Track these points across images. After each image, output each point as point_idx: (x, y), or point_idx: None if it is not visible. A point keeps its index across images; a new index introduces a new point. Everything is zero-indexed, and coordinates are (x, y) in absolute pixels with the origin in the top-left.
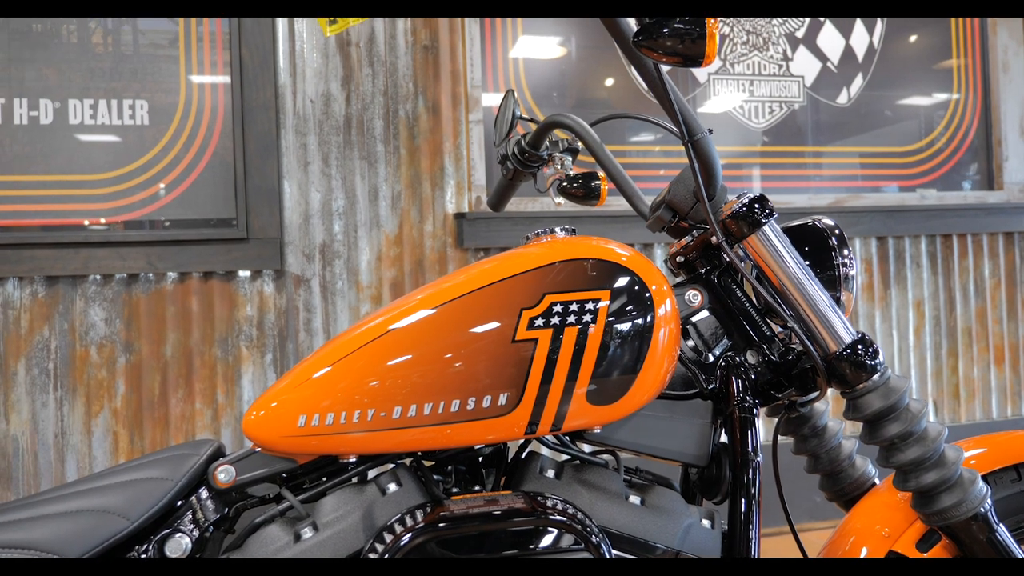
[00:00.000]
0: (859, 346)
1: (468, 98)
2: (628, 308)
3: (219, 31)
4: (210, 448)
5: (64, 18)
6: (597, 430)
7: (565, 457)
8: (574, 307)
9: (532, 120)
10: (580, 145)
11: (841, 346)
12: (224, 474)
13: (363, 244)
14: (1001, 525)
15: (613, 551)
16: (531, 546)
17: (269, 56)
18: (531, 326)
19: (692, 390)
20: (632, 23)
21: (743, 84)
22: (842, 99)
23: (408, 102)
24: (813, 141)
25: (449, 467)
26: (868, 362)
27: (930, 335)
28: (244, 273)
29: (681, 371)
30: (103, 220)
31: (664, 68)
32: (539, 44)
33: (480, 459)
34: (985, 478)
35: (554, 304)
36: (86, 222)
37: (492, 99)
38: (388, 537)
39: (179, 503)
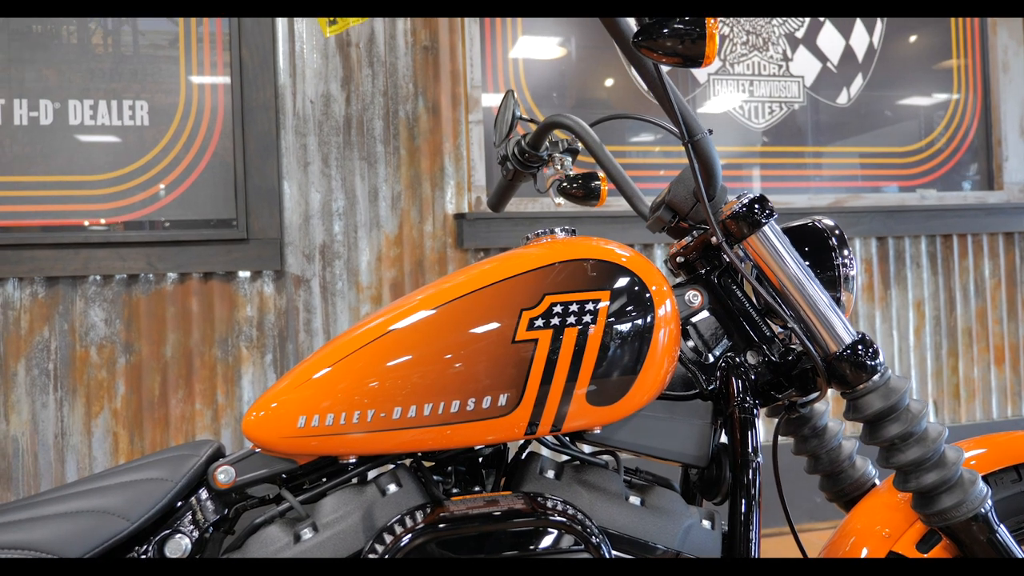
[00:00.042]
0: (859, 346)
1: (468, 98)
2: (628, 309)
3: (219, 32)
4: (210, 449)
5: (64, 19)
6: (597, 431)
7: (565, 458)
8: (574, 308)
9: (532, 120)
10: (580, 145)
11: (841, 346)
12: (224, 475)
13: (363, 245)
14: (1001, 526)
15: (613, 552)
16: (531, 547)
17: (269, 57)
18: (531, 327)
19: (692, 391)
20: (632, 23)
21: (743, 84)
22: (842, 99)
23: (408, 102)
24: (813, 141)
25: (449, 468)
26: (868, 362)
27: (930, 335)
28: (244, 274)
29: (681, 372)
30: (103, 221)
31: (664, 68)
32: (539, 44)
33: (480, 460)
34: (985, 479)
35: (554, 305)
36: (86, 223)
37: (492, 99)
38: (388, 538)
39: (179, 504)
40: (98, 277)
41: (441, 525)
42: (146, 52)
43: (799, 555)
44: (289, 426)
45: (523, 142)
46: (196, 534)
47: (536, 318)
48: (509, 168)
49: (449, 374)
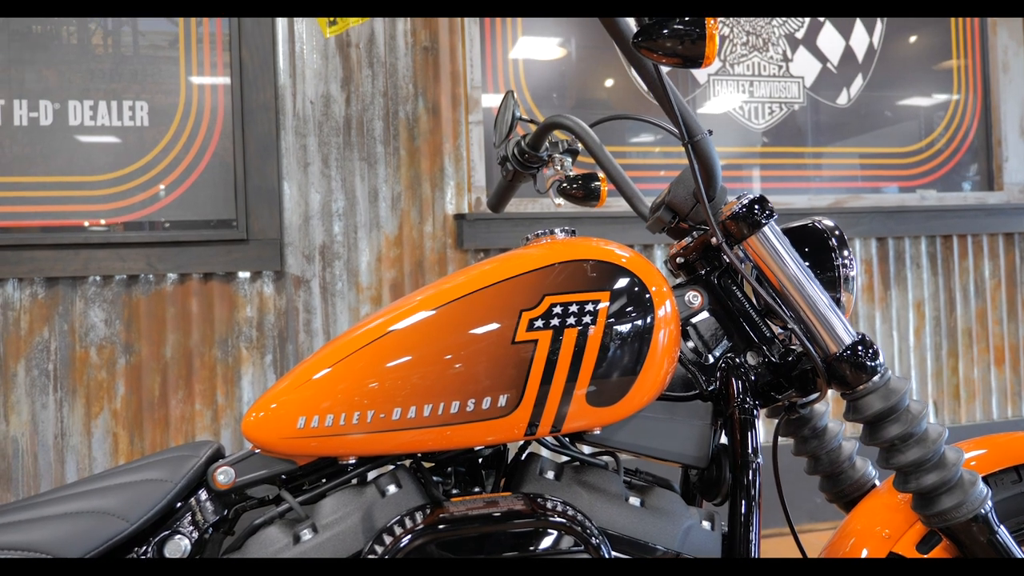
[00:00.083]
0: (859, 347)
1: (468, 99)
2: (628, 309)
3: (219, 32)
4: (209, 449)
5: (64, 20)
6: (597, 431)
7: (565, 458)
8: (574, 308)
9: (532, 121)
10: (580, 146)
11: (841, 347)
12: (223, 475)
13: (363, 245)
14: (1002, 527)
15: (613, 552)
16: (531, 548)
17: (269, 57)
18: (531, 327)
19: (692, 391)
20: (632, 24)
21: (743, 85)
22: (842, 100)
23: (408, 103)
24: (813, 142)
25: (449, 469)
26: (868, 363)
27: (930, 336)
28: (244, 274)
29: (681, 372)
30: (103, 221)
31: (664, 69)
32: (539, 45)
33: (480, 460)
34: (986, 479)
35: (554, 305)
36: (86, 223)
37: (492, 100)
38: (387, 539)
39: (178, 505)
40: (98, 278)
41: (441, 526)
42: (146, 53)
43: (799, 556)
44: (289, 427)
45: (523, 143)
46: (196, 535)
47: (536, 319)
48: (509, 169)
49: (449, 375)
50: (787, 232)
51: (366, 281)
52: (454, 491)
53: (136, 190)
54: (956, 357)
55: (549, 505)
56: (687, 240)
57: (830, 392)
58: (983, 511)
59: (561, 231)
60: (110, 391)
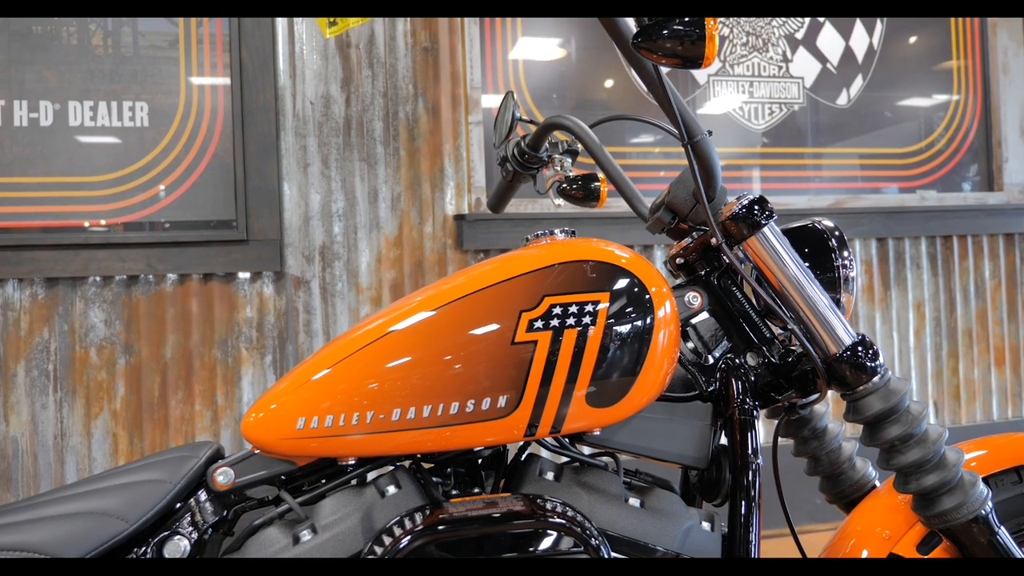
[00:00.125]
0: (859, 348)
1: (468, 100)
2: (628, 310)
3: (219, 33)
4: (209, 450)
5: (64, 20)
6: (597, 432)
7: (564, 459)
8: (573, 309)
9: (532, 122)
10: (580, 147)
11: (841, 348)
12: (223, 476)
13: (363, 246)
14: (1002, 527)
15: (612, 553)
16: (530, 548)
17: (269, 58)
18: (530, 328)
19: (692, 392)
20: (631, 24)
21: (743, 85)
22: (842, 100)
23: (408, 104)
24: (813, 142)
25: (448, 469)
26: (868, 364)
27: (930, 336)
28: (244, 275)
29: (681, 373)
30: (103, 222)
31: (663, 70)
32: (539, 46)
33: (479, 461)
34: (986, 480)
35: (553, 306)
36: (86, 224)
37: (492, 101)
38: (387, 539)
39: (178, 505)
40: (98, 278)
41: (440, 527)
42: (146, 53)
43: (799, 557)
44: (288, 427)
45: (523, 143)
46: (195, 536)
47: (535, 319)
48: (509, 169)
49: (448, 375)
50: (787, 233)
51: (366, 282)
52: (453, 492)
53: (136, 191)
54: (956, 358)
55: (549, 506)
56: (687, 241)
57: (830, 393)
58: (983, 512)
59: (561, 232)
60: (110, 391)
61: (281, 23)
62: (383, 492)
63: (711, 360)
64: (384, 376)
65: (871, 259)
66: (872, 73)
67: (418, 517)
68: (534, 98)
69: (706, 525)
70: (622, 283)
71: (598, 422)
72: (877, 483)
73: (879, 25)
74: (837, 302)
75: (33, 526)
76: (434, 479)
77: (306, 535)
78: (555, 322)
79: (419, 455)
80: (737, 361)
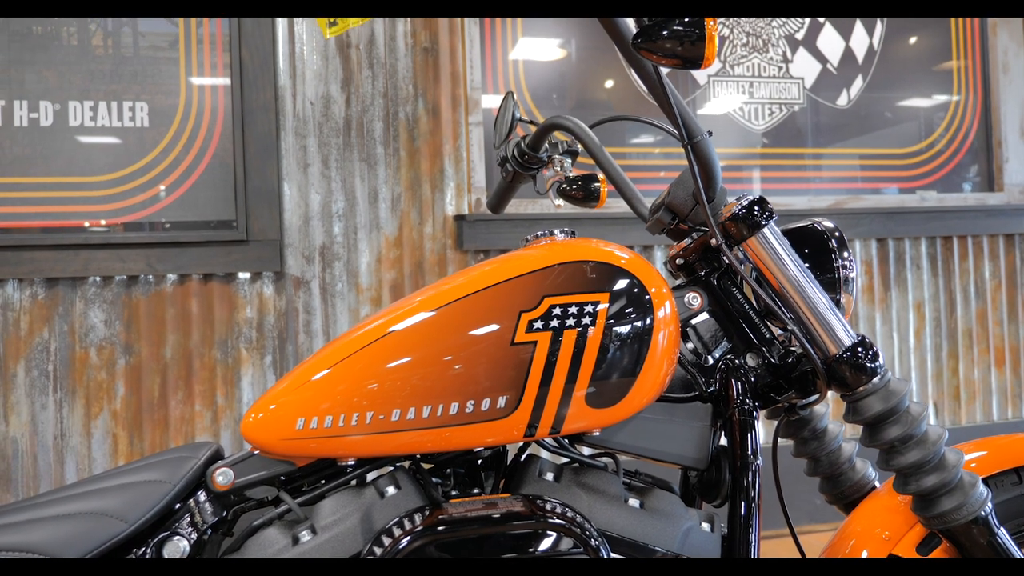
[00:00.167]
0: (859, 349)
1: (468, 100)
2: (627, 310)
3: (219, 33)
4: (208, 451)
5: (64, 21)
6: (596, 433)
7: (564, 460)
8: (573, 310)
9: (532, 122)
10: (580, 147)
11: (841, 349)
12: (222, 477)
13: (363, 246)
14: (1002, 528)
15: (612, 554)
16: (530, 549)
17: (269, 58)
18: (530, 329)
19: (692, 393)
20: (631, 25)
21: (743, 86)
22: (842, 101)
23: (408, 104)
24: (813, 143)
25: (448, 470)
26: (868, 365)
27: (930, 337)
28: (244, 275)
29: (680, 374)
30: (103, 222)
31: (663, 70)
32: (539, 46)
33: (479, 462)
34: (986, 481)
35: (553, 307)
36: (86, 224)
37: (492, 101)
38: (386, 540)
39: (177, 506)
40: (98, 278)
41: (440, 527)
42: (146, 53)
43: (799, 557)
44: (288, 428)
45: (523, 144)
46: (194, 536)
47: (535, 320)
48: (509, 170)
49: (448, 376)
50: (787, 233)
51: (366, 282)
52: (453, 492)
53: (136, 191)
54: (956, 358)
55: (548, 507)
56: (687, 241)
57: (830, 394)
58: (983, 513)
59: (561, 232)
60: (110, 392)
61: (281, 23)
62: (383, 493)
63: (711, 361)
64: (384, 376)
65: (871, 260)
66: (872, 73)
67: (417, 518)
68: (534, 98)
69: (706, 526)
70: (622, 284)
71: (598, 423)
72: (877, 484)
73: (879, 26)
74: (837, 303)
75: (33, 526)
76: (434, 480)
77: (305, 536)
78: (555, 322)
79: (419, 456)
80: (737, 362)
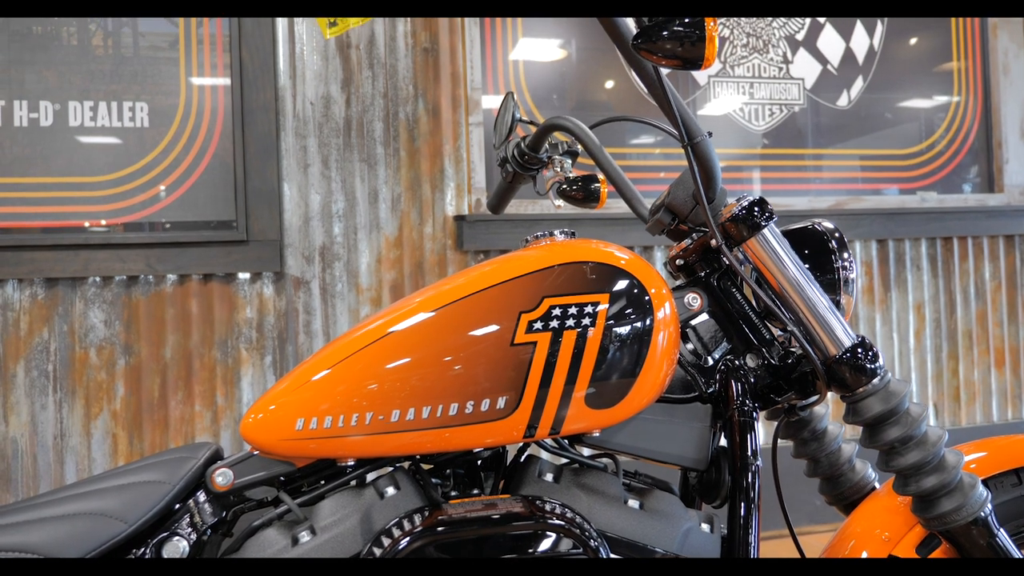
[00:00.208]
0: (859, 350)
1: (468, 100)
2: (627, 311)
3: (219, 33)
4: (208, 451)
5: (64, 21)
6: (596, 434)
7: (564, 461)
8: (573, 310)
9: (532, 123)
10: (580, 148)
11: (841, 350)
12: (222, 477)
13: (363, 246)
14: (1001, 530)
15: (612, 555)
16: (529, 550)
17: (269, 58)
18: (530, 329)
19: (691, 393)
20: (631, 25)
21: (743, 86)
22: (842, 101)
23: (408, 104)
24: (813, 144)
25: (448, 471)
26: (868, 366)
27: (930, 338)
28: (244, 275)
29: (680, 374)
30: (103, 222)
31: (663, 71)
32: (539, 46)
33: (479, 463)
34: (985, 482)
35: (553, 307)
36: (86, 224)
37: (492, 101)
38: (386, 541)
39: (177, 506)
40: (98, 279)
41: (439, 528)
42: (146, 54)
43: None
44: (287, 428)
45: (523, 144)
46: (194, 537)
47: (535, 321)
48: (509, 170)
49: (448, 377)
50: (787, 234)
51: (366, 282)
52: (453, 493)
53: (136, 191)
54: (956, 359)
55: (548, 507)
56: (687, 242)
57: (830, 395)
58: (983, 514)
59: (560, 233)
60: (110, 392)
61: (281, 23)
62: (382, 493)
63: (711, 361)
64: (384, 377)
65: (871, 260)
66: (872, 74)
67: (417, 518)
68: (534, 99)
69: (705, 527)
70: (622, 284)
71: (597, 423)
72: (877, 485)
73: (879, 26)
74: (837, 304)
75: (32, 527)
76: (433, 480)
77: (305, 536)
78: (554, 323)
79: (418, 456)
80: (737, 363)
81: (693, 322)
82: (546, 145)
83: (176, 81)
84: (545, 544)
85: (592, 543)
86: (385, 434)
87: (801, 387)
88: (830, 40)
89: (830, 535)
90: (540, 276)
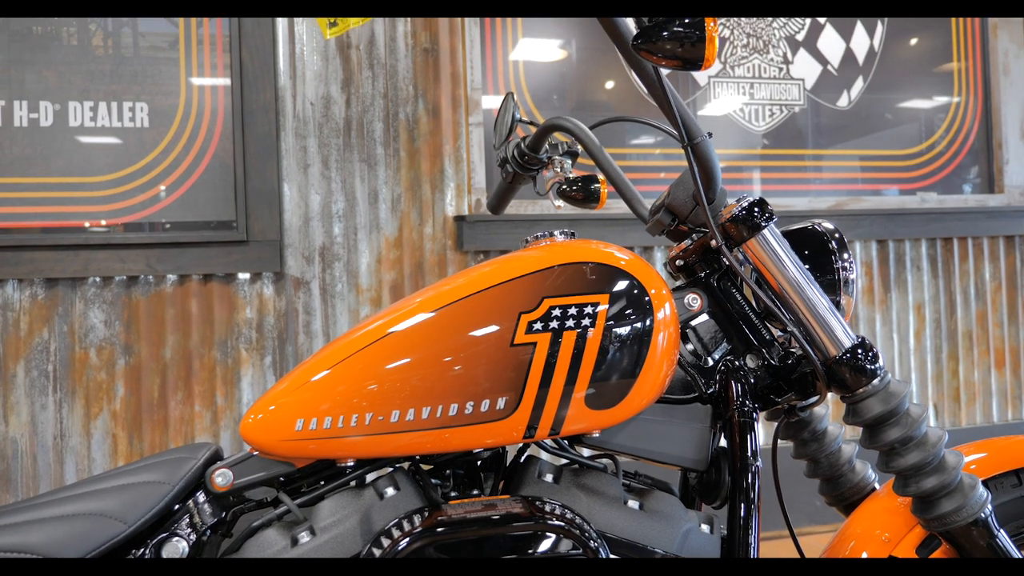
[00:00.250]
0: (859, 350)
1: (468, 101)
2: (627, 312)
3: (219, 33)
4: (207, 451)
5: (64, 21)
6: (596, 434)
7: (564, 461)
8: (573, 311)
9: (532, 123)
10: (580, 148)
11: (841, 350)
12: (221, 478)
13: (363, 247)
14: (1001, 530)
15: (611, 556)
16: (529, 551)
17: (269, 59)
18: (530, 330)
19: (691, 394)
20: (631, 26)
21: (743, 87)
22: (842, 102)
23: (408, 105)
24: (813, 144)
25: (447, 471)
26: (868, 366)
27: (930, 339)
28: (244, 275)
29: (680, 375)
30: (103, 222)
31: (663, 71)
32: (539, 47)
33: (478, 463)
34: (985, 483)
35: (553, 308)
36: (86, 224)
37: (492, 102)
38: (385, 541)
39: (176, 507)
40: (98, 279)
41: (439, 529)
42: (146, 54)
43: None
44: (287, 429)
45: (523, 144)
46: (193, 537)
47: (535, 321)
48: (509, 170)
49: (448, 377)
50: (787, 235)
51: (366, 283)
52: (452, 494)
53: (136, 191)
54: (956, 360)
55: (547, 508)
56: (687, 243)
57: (830, 395)
58: (983, 515)
59: (560, 233)
60: (109, 392)
61: (281, 24)
62: (382, 494)
63: (711, 362)
64: (383, 377)
65: (871, 261)
66: (873, 75)
67: (417, 519)
68: (534, 99)
69: (705, 527)
70: (621, 285)
71: (597, 424)
72: (877, 485)
73: (880, 27)
74: (837, 304)
75: (31, 527)
76: (433, 481)
77: (304, 537)
78: (554, 324)
79: (418, 457)
80: (737, 363)
81: (693, 323)
82: (546, 145)
83: (176, 81)
84: (545, 545)
85: (592, 544)
86: (385, 435)
87: (801, 388)
88: (830, 40)
89: (830, 536)
90: (540, 276)
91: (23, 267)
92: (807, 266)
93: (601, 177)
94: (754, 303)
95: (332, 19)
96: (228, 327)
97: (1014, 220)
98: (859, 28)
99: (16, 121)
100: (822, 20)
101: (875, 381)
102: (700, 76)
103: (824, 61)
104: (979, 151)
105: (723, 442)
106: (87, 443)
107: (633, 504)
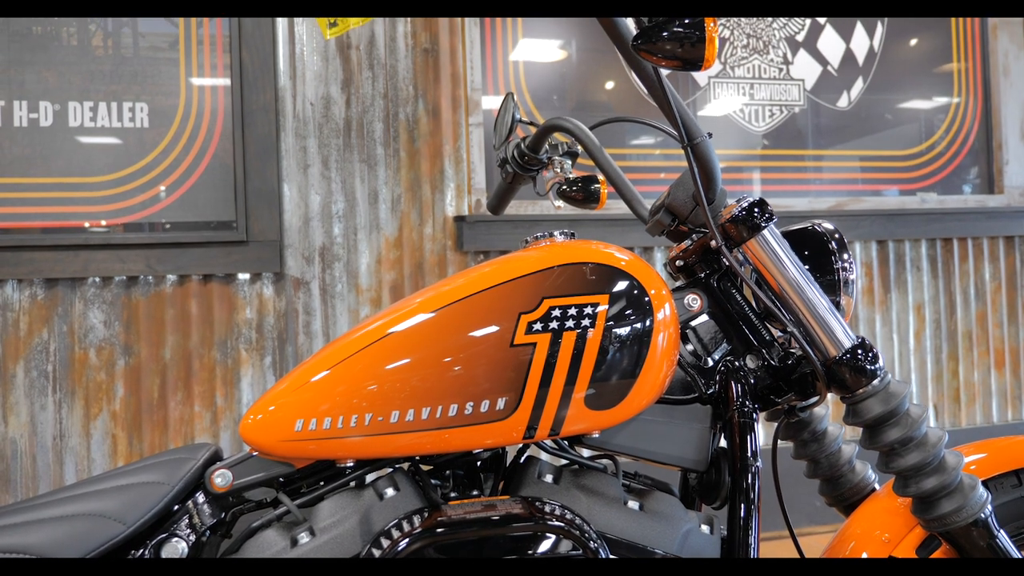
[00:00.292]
0: (859, 351)
1: (468, 101)
2: (627, 312)
3: (219, 34)
4: (207, 452)
5: (64, 21)
6: (596, 435)
7: (564, 462)
8: (572, 311)
9: (532, 123)
10: (580, 148)
11: (841, 351)
12: (221, 478)
13: (363, 247)
14: (1001, 531)
15: (611, 556)
16: (529, 551)
17: (269, 59)
18: (529, 330)
19: (691, 394)
20: (631, 26)
21: (743, 87)
22: (842, 102)
23: (408, 105)
24: (813, 145)
25: (447, 472)
26: (868, 367)
27: (930, 339)
28: (243, 276)
29: (680, 375)
30: (103, 222)
31: (663, 72)
32: (539, 47)
33: (478, 464)
34: (985, 484)
35: (552, 308)
36: (86, 224)
37: (492, 102)
38: (385, 542)
39: (175, 507)
40: (97, 279)
41: (439, 529)
42: (146, 54)
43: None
44: (287, 429)
45: (523, 145)
46: (193, 538)
47: (534, 322)
48: (509, 171)
49: (448, 378)
50: (787, 235)
51: (366, 283)
52: (452, 494)
53: (136, 191)
54: (956, 360)
55: (547, 509)
56: (687, 243)
57: (830, 396)
58: (983, 515)
59: (560, 234)
60: (109, 393)
61: (281, 24)
62: (381, 494)
63: (710, 362)
64: (383, 378)
65: (871, 261)
66: (873, 75)
67: (416, 519)
68: (534, 100)
69: (705, 528)
70: (621, 285)
71: (597, 424)
72: (877, 486)
73: (880, 27)
74: (837, 305)
75: (31, 528)
76: (433, 481)
77: (304, 537)
78: (554, 324)
79: (418, 457)
80: (736, 364)
81: (693, 323)
82: (546, 146)
83: (176, 81)
84: (545, 545)
85: (592, 544)
86: (384, 435)
87: (801, 388)
88: (830, 41)
89: (830, 536)
90: (540, 277)
91: (23, 267)
92: (807, 266)
93: (601, 177)
94: (754, 303)
95: (332, 19)
96: (228, 327)
97: (1014, 220)
98: (859, 29)
99: (16, 121)
100: (822, 20)
101: (875, 381)
102: (700, 76)
103: (824, 61)
104: (979, 152)
105: (723, 442)
106: (87, 443)
107: (633, 504)
